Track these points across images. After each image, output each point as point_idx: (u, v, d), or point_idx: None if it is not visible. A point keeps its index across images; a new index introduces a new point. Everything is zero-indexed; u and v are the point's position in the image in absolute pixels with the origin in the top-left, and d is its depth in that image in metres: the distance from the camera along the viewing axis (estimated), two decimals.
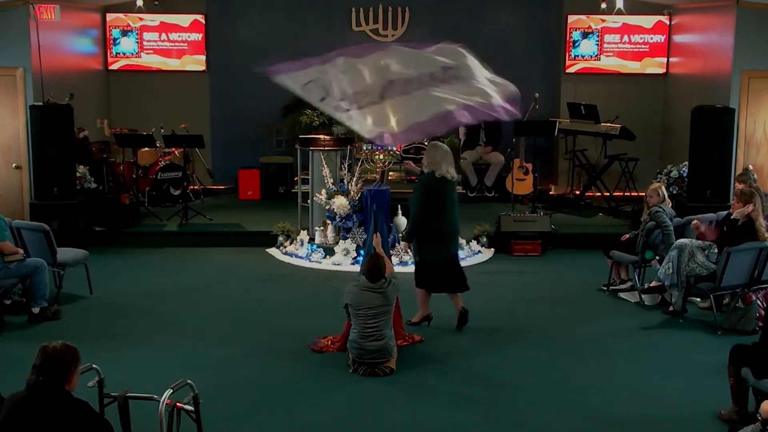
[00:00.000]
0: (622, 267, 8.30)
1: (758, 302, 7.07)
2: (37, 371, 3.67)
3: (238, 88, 12.59)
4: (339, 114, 6.51)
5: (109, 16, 12.40)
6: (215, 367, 6.17)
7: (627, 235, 8.32)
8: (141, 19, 12.44)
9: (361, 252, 9.06)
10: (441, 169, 6.86)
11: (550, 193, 12.48)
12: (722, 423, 5.20)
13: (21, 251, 7.31)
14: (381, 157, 10.04)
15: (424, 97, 6.50)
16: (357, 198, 9.27)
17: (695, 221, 7.45)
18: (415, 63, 6.64)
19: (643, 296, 7.83)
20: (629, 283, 8.21)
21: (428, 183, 6.91)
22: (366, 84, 6.49)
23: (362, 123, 6.44)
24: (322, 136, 10.18)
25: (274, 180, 12.25)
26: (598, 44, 12.44)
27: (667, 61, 12.33)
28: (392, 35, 12.70)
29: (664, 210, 7.89)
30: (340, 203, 9.22)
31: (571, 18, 12.43)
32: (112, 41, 12.47)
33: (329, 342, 6.61)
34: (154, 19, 12.49)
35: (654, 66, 12.40)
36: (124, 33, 12.47)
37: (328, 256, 9.26)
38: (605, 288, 8.28)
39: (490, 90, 6.83)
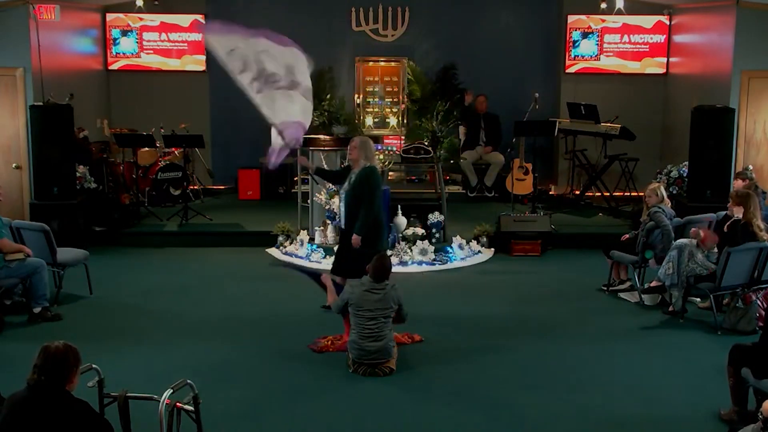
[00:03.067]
0: (622, 267, 8.30)
1: (758, 302, 7.07)
2: (39, 371, 3.68)
3: (238, 88, 12.55)
4: (251, 92, 6.60)
5: (109, 16, 12.40)
6: (215, 367, 6.17)
7: (627, 235, 8.32)
8: (141, 19, 12.44)
9: None
10: (374, 161, 7.10)
11: (550, 193, 12.48)
12: (722, 423, 5.21)
13: (27, 250, 7.29)
14: (381, 157, 10.04)
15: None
16: None
17: (694, 229, 7.41)
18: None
19: (643, 296, 7.83)
20: (628, 283, 8.21)
21: (374, 175, 7.05)
22: (274, 73, 6.64)
23: (270, 106, 6.60)
24: (322, 136, 10.20)
25: (274, 180, 12.24)
26: (598, 44, 12.44)
27: (667, 61, 12.33)
28: (392, 35, 12.70)
29: (663, 210, 7.89)
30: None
31: (571, 18, 12.44)
32: (112, 41, 12.47)
33: (329, 342, 6.61)
34: (154, 19, 12.49)
35: (654, 66, 12.40)
36: (124, 33, 12.47)
37: (328, 256, 9.26)
38: (605, 288, 8.28)
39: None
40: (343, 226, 7.13)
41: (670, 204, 8.23)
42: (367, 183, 6.93)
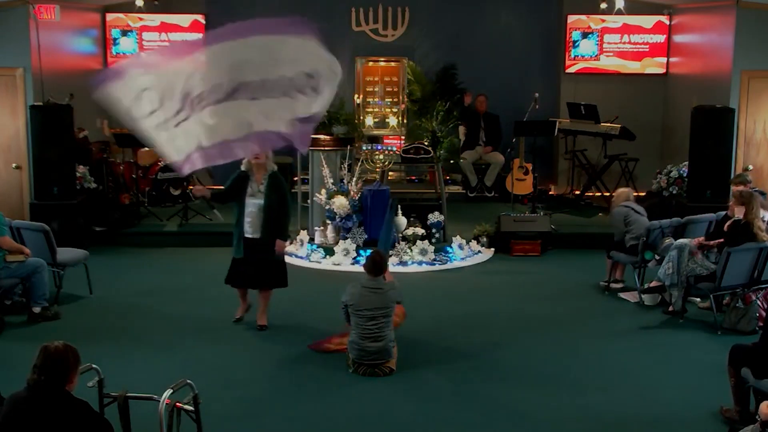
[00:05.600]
0: (620, 267, 8.31)
1: (758, 302, 7.07)
2: (38, 371, 3.67)
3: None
4: (156, 132, 5.52)
5: (109, 16, 12.40)
6: (215, 367, 6.17)
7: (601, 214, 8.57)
8: (141, 19, 12.44)
9: (362, 252, 9.08)
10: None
11: (550, 193, 12.48)
12: (722, 423, 5.21)
13: (27, 251, 7.30)
14: (381, 157, 10.05)
15: (260, 111, 5.58)
16: (357, 198, 9.27)
17: (696, 252, 7.35)
18: (276, 59, 5.64)
19: (643, 296, 7.83)
20: (621, 284, 8.26)
21: (283, 178, 7.03)
22: (218, 81, 5.50)
23: (173, 144, 5.54)
24: (322, 136, 10.19)
25: None
26: (597, 44, 12.44)
27: (667, 61, 12.33)
28: (392, 35, 12.71)
29: (628, 207, 8.15)
30: (340, 203, 9.22)
31: (571, 18, 12.44)
32: (112, 41, 12.46)
33: (333, 345, 6.54)
34: (154, 19, 12.49)
35: (654, 66, 12.40)
36: (124, 33, 12.46)
37: (327, 256, 9.26)
38: (606, 284, 8.28)
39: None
40: (258, 236, 6.84)
41: (632, 198, 8.48)
42: (282, 187, 6.91)
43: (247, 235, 6.91)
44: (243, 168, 6.91)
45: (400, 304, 6.28)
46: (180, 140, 5.51)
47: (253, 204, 6.85)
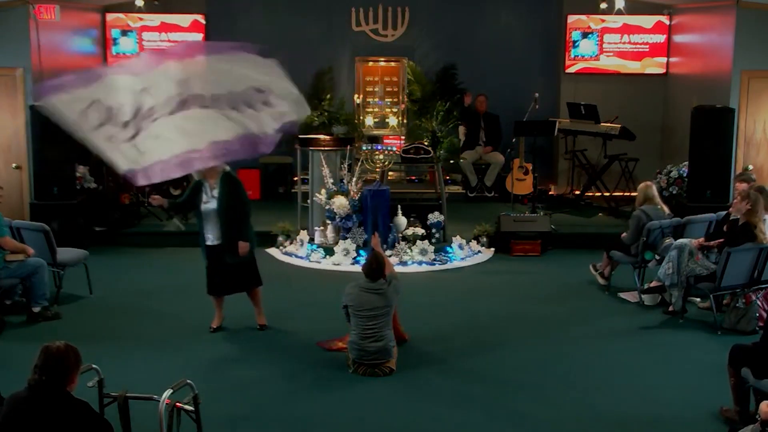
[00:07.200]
0: (611, 265, 8.32)
1: (758, 302, 7.07)
2: (39, 371, 3.67)
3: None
4: (108, 144, 5.57)
5: (109, 16, 12.40)
6: (215, 367, 6.17)
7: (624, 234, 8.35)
8: (141, 19, 12.43)
9: (362, 252, 9.08)
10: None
11: (550, 193, 12.48)
12: (722, 423, 5.21)
13: (30, 250, 7.30)
14: (381, 157, 10.05)
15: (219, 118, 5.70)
16: (357, 198, 9.27)
17: (697, 255, 7.37)
18: (227, 81, 5.76)
19: (643, 296, 7.83)
20: (603, 281, 8.29)
21: (237, 177, 6.94)
22: (169, 95, 5.57)
23: (130, 157, 5.54)
24: (322, 136, 10.20)
25: (274, 180, 12.24)
26: (597, 44, 12.44)
27: (667, 61, 12.33)
28: (392, 35, 12.71)
29: (645, 213, 7.97)
30: (340, 203, 9.22)
31: (571, 18, 12.44)
32: (111, 41, 12.46)
33: (342, 343, 6.52)
34: (154, 19, 12.48)
35: (654, 66, 12.40)
36: (124, 33, 12.45)
37: (327, 256, 9.26)
38: (600, 276, 8.31)
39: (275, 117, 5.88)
40: (219, 242, 6.72)
41: (660, 205, 8.21)
42: (235, 186, 6.80)
43: (208, 243, 6.81)
44: (196, 177, 6.82)
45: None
46: (132, 152, 5.50)
47: (209, 210, 6.74)
